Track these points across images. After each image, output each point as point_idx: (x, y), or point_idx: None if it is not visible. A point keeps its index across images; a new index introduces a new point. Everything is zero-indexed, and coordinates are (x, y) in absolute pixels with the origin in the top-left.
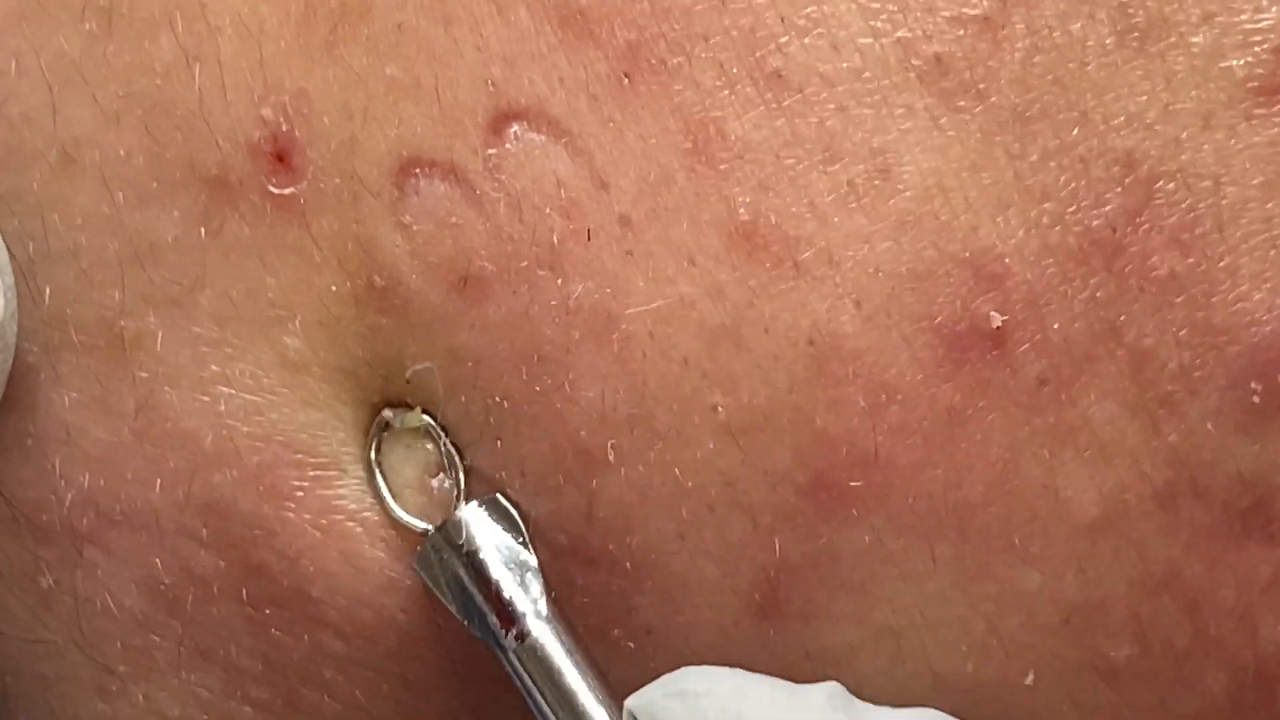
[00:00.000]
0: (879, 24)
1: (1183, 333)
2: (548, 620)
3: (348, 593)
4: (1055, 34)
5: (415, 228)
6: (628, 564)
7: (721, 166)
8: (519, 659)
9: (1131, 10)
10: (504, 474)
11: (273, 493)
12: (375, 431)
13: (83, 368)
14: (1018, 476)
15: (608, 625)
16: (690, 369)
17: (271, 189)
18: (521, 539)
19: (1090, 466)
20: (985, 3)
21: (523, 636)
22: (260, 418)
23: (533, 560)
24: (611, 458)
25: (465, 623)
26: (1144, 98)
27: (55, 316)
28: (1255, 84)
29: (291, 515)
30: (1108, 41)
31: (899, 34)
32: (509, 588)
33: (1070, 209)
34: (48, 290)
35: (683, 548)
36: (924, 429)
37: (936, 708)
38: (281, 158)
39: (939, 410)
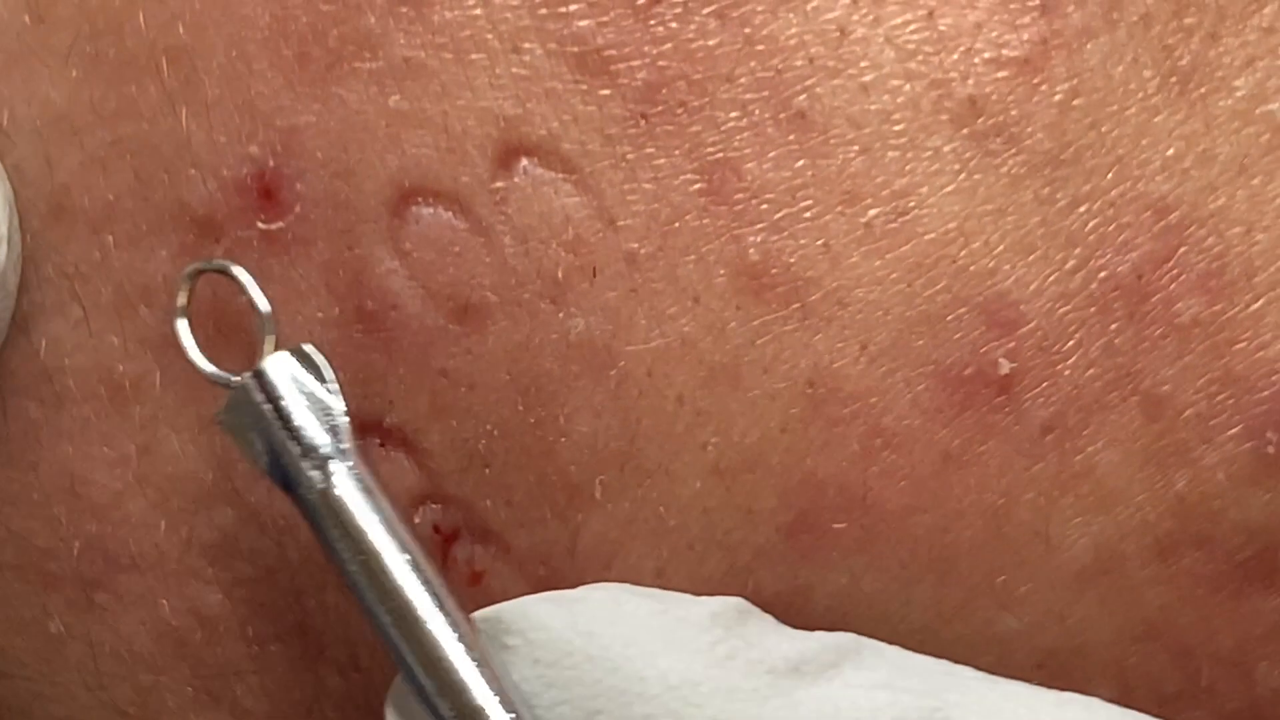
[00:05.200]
0: (914, 65)
1: (1201, 380)
2: (351, 466)
3: (348, 627)
4: (1097, 78)
5: (415, 255)
6: None
7: (735, 207)
8: (320, 505)
9: (1177, 53)
10: (490, 502)
11: (273, 528)
12: (186, 283)
13: (83, 418)
14: (1009, 523)
15: None
16: (684, 407)
17: (259, 225)
18: (330, 387)
19: (1088, 514)
20: (1026, 44)
21: (325, 480)
22: None
23: (339, 407)
24: (598, 494)
25: (268, 474)
26: (1182, 142)
27: (54, 368)
28: None
29: (291, 552)
30: (1150, 85)
31: (934, 75)
32: (312, 433)
33: (1096, 254)
34: (44, 343)
35: (658, 584)
36: (916, 473)
37: None
38: (269, 193)
39: (934, 455)
